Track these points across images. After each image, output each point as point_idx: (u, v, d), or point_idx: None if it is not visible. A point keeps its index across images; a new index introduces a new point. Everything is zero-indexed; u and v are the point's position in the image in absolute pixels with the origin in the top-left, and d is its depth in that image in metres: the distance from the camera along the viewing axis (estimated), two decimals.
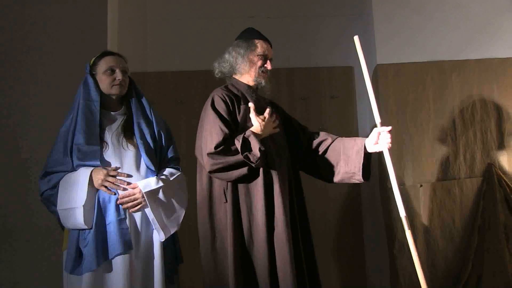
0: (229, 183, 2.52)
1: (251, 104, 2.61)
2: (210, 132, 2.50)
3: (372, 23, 4.00)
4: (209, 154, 2.46)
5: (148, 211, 2.46)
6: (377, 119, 2.54)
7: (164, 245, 2.48)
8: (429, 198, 3.70)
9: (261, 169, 2.50)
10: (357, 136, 3.89)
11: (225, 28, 3.66)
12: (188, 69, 4.10)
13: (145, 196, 2.43)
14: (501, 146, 3.79)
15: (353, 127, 4.22)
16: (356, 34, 2.60)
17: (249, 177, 2.50)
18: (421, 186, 3.71)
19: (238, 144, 2.45)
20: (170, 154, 2.65)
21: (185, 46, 4.20)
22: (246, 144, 2.45)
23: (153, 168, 2.52)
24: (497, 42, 3.94)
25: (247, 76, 2.74)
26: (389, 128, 2.53)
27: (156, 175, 2.53)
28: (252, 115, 2.57)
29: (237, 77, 2.77)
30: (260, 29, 2.80)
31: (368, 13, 4.09)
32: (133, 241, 2.40)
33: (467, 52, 3.93)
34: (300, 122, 2.92)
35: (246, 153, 2.43)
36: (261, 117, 2.58)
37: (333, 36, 4.27)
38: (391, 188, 2.57)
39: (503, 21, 3.97)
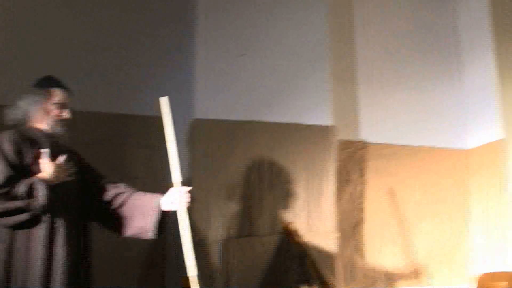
0: None
1: (43, 150, 2.49)
2: None
3: (194, 76, 4.07)
4: None
5: None
6: (177, 179, 2.59)
7: None
8: (233, 253, 3.79)
9: (46, 217, 2.40)
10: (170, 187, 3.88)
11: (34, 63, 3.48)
12: None
13: None
14: (296, 206, 4.03)
15: (166, 177, 4.18)
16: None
17: (29, 224, 2.38)
18: (225, 241, 3.79)
19: (23, 189, 2.33)
20: None
21: None
22: (31, 190, 2.34)
23: None
24: (303, 108, 4.22)
25: (43, 124, 2.64)
26: (189, 188, 2.60)
27: None
28: (44, 160, 2.46)
29: (32, 124, 2.65)
30: (78, 70, 2.71)
31: (191, 66, 4.16)
32: None
33: (278, 115, 4.15)
34: (103, 171, 2.86)
35: (29, 200, 2.32)
36: (53, 163, 2.47)
37: (154, 85, 4.23)
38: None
39: (311, 89, 4.28)
